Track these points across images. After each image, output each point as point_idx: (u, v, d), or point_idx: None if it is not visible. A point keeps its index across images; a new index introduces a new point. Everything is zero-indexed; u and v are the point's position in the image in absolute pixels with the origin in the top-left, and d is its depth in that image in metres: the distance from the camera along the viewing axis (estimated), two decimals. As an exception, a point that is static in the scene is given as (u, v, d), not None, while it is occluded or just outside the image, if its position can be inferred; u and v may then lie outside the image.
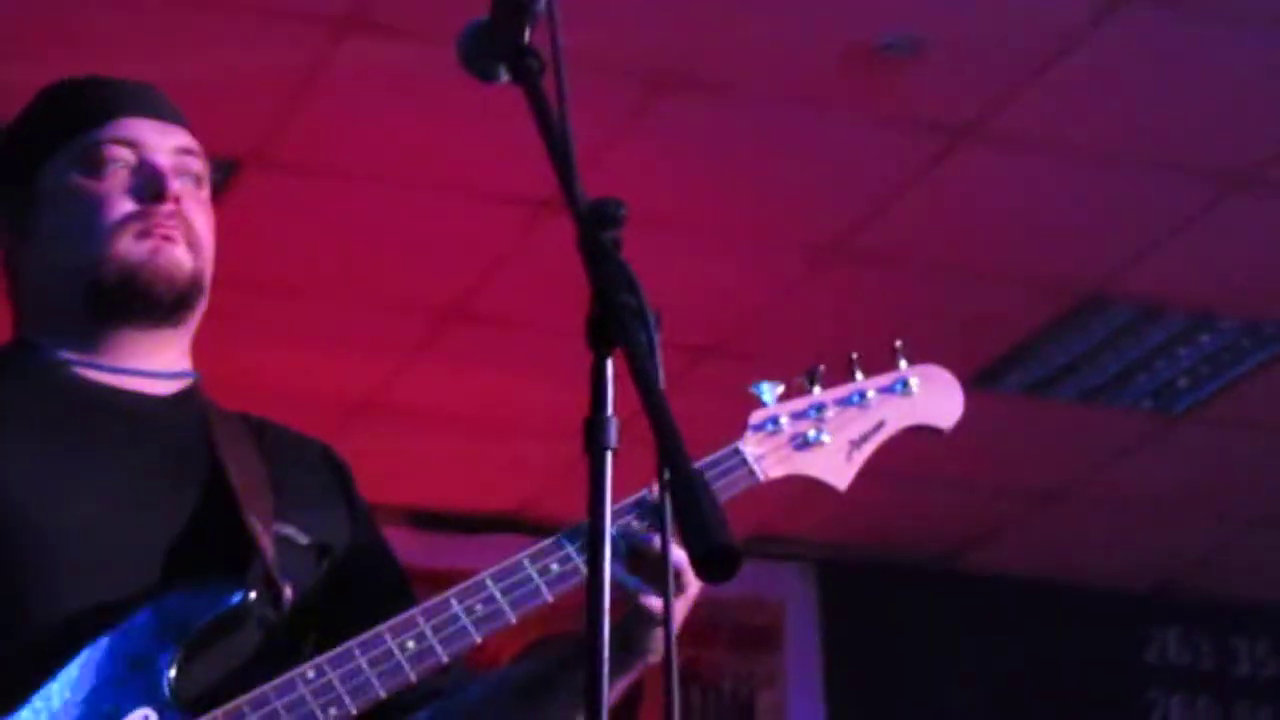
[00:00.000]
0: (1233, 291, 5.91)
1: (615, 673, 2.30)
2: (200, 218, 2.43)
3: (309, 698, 2.30)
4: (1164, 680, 7.85)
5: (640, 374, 1.71)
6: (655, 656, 2.33)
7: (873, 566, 7.23)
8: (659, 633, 2.31)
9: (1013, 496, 6.62)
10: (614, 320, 1.74)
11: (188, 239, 2.40)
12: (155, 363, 2.46)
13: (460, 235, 5.55)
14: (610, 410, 1.74)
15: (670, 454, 1.67)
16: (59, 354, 2.44)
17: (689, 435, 1.68)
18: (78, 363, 2.43)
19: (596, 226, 1.80)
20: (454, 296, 5.82)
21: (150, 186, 2.39)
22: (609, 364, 1.75)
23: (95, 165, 2.42)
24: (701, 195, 5.43)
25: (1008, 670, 7.50)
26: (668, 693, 1.74)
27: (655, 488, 2.20)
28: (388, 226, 5.53)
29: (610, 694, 2.28)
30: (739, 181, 5.41)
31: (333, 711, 2.31)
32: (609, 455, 1.73)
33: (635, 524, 2.34)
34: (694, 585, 2.30)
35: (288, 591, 2.33)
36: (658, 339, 1.74)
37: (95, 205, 2.40)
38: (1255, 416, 6.61)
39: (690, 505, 1.64)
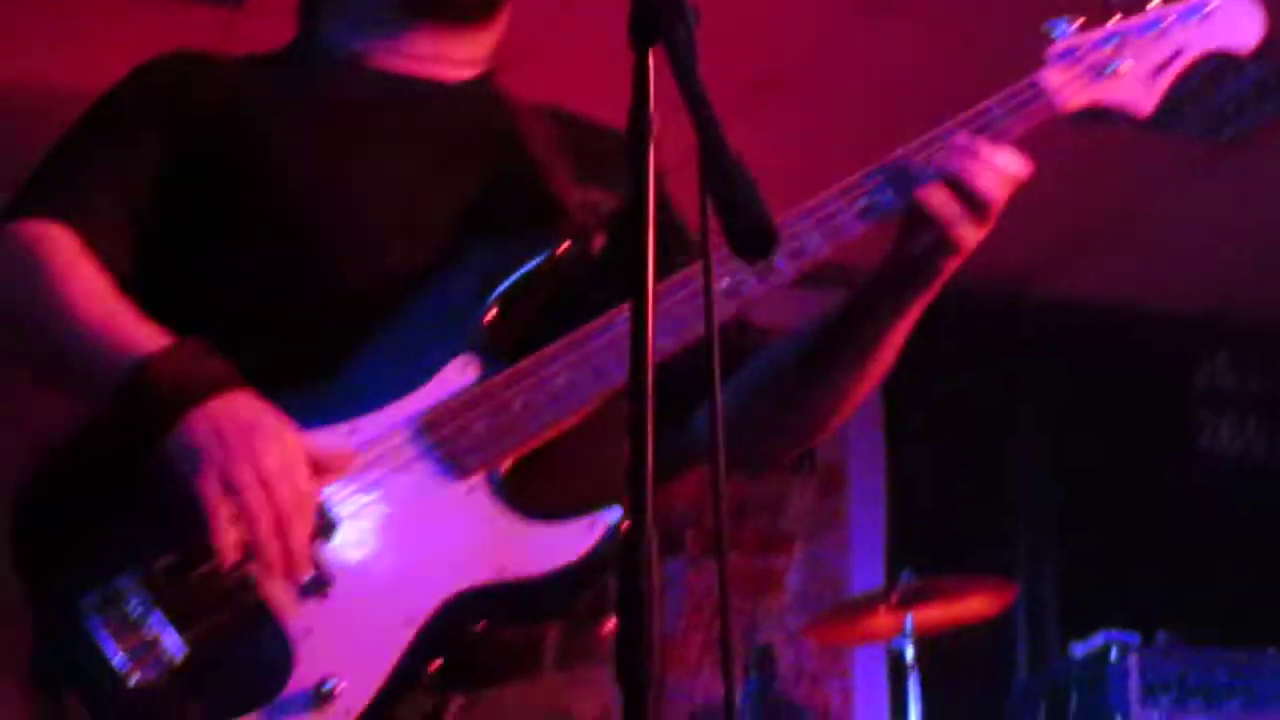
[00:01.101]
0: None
1: (908, 299, 2.39)
2: None
3: (623, 340, 2.27)
4: (1214, 403, 7.96)
5: (679, 65, 1.79)
6: (939, 279, 2.38)
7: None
8: (953, 264, 2.36)
9: (1064, 226, 6.72)
10: (654, 16, 1.80)
11: None
12: (456, 56, 2.55)
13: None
14: (651, 105, 1.79)
15: (709, 140, 1.75)
16: (354, 44, 2.53)
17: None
18: (375, 52, 2.52)
19: None
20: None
21: None
22: (649, 60, 1.79)
23: None
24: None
25: (1061, 396, 7.57)
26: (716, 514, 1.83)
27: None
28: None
29: (904, 322, 2.42)
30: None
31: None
32: (649, 147, 1.79)
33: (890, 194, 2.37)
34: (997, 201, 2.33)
35: (597, 243, 2.33)
36: (695, 32, 1.79)
37: None
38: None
39: (731, 188, 1.73)
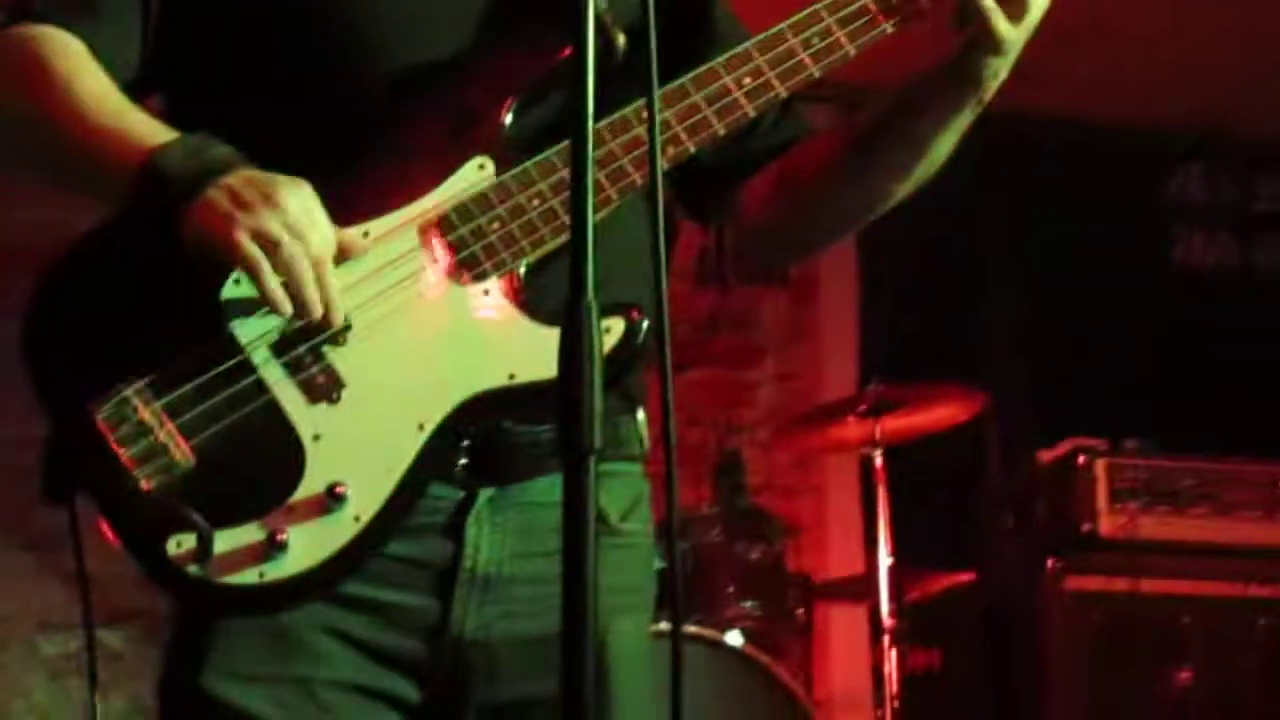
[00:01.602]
0: None
1: (950, 109, 2.38)
2: None
3: (645, 136, 2.29)
4: (1185, 215, 7.94)
5: None
6: (986, 94, 2.38)
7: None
8: (996, 66, 2.35)
9: (1039, 33, 6.60)
10: None
11: None
12: None
13: None
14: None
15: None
16: None
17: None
18: None
19: None
20: None
21: None
22: None
23: None
24: None
25: (1033, 209, 7.55)
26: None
27: None
28: None
29: (950, 126, 2.41)
30: None
31: (670, 150, 2.33)
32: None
33: None
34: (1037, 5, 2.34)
35: (620, 39, 2.26)
36: None
37: None
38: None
39: None
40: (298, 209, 2.16)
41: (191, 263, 2.19)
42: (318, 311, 2.18)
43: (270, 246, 2.14)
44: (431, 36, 2.37)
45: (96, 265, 2.26)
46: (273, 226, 2.14)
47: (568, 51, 2.17)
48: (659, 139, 1.96)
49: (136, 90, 2.38)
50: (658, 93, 1.93)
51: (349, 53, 2.36)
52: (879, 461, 5.68)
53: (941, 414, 5.80)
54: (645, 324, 2.25)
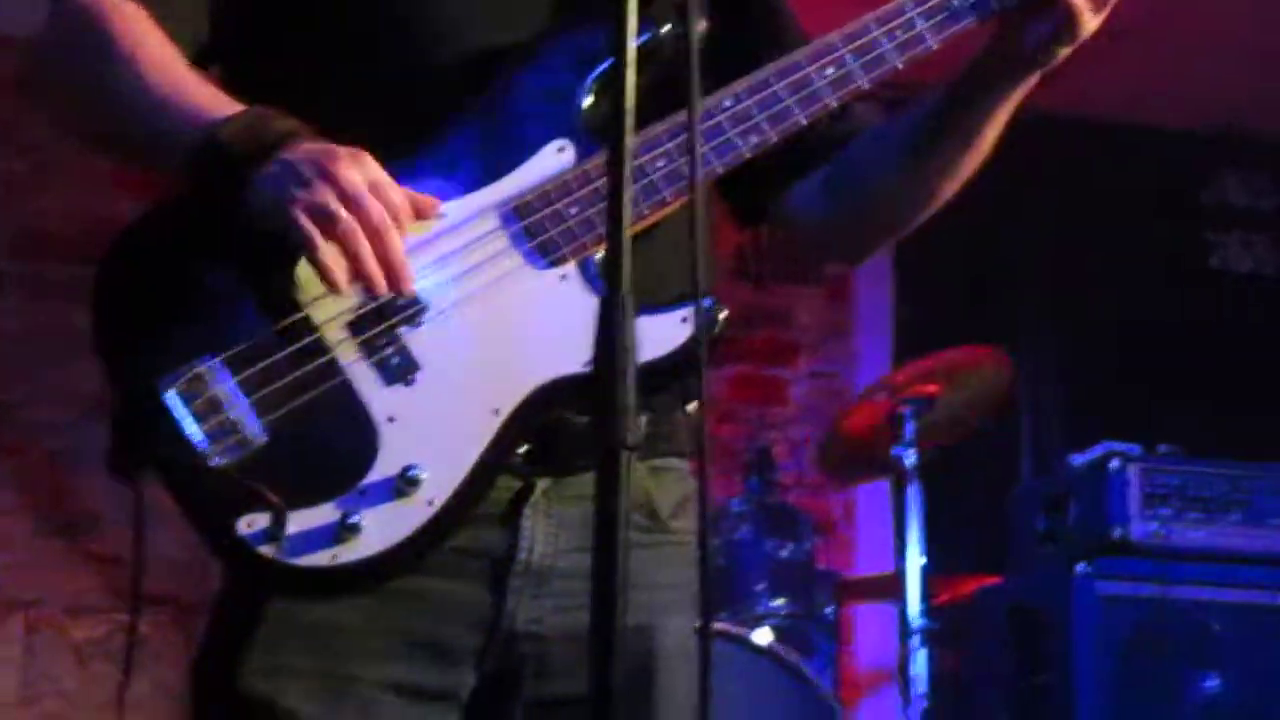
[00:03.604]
0: None
1: (1010, 90, 2.39)
2: None
3: (726, 125, 2.30)
4: (1223, 220, 7.88)
5: None
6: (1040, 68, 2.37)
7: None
8: (1063, 54, 2.36)
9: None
10: None
11: None
12: None
13: None
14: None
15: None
16: None
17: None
18: None
19: None
20: None
21: None
22: None
23: None
24: None
25: (1069, 211, 7.52)
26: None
27: None
28: None
29: (1002, 115, 2.42)
30: None
31: (752, 139, 2.32)
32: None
33: None
34: None
35: (701, 24, 2.18)
36: None
37: None
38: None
39: None
40: (356, 180, 2.12)
41: (258, 238, 2.17)
42: (380, 285, 2.15)
43: (326, 222, 2.11)
44: (509, 13, 2.36)
45: (167, 240, 2.24)
46: (329, 200, 2.10)
47: (646, 34, 2.22)
48: (698, 150, 1.94)
49: (200, 60, 2.36)
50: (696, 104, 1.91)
51: (424, 28, 2.34)
52: (910, 460, 5.67)
53: (972, 381, 5.78)
54: (724, 314, 2.24)
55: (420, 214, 2.21)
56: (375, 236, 2.13)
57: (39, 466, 6.20)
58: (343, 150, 2.16)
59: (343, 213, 2.11)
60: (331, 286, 2.14)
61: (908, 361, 6.03)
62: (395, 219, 2.15)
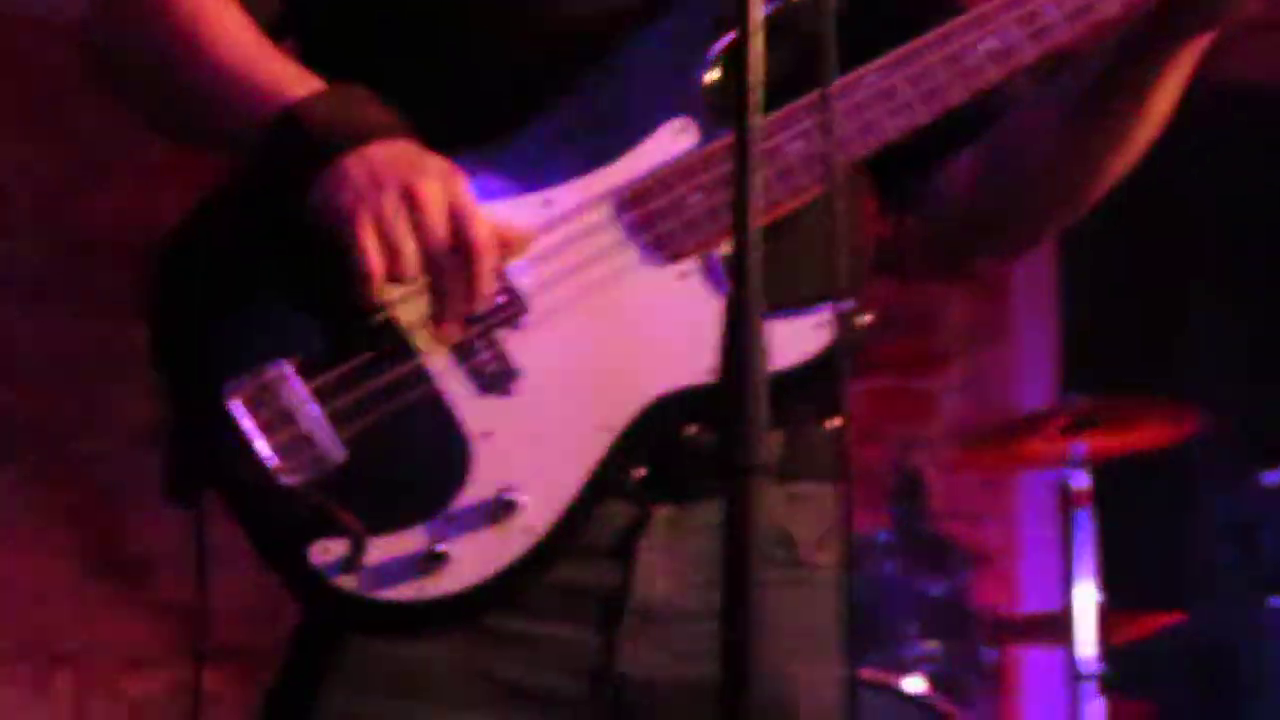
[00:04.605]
0: None
1: (1179, 49, 2.33)
2: None
3: (872, 103, 2.28)
4: None
5: None
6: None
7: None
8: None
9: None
10: None
11: None
12: None
13: None
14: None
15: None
16: None
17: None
18: None
19: None
20: None
21: None
22: None
23: None
24: None
25: (1248, 203, 7.54)
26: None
27: None
28: None
29: (1168, 88, 2.37)
30: None
31: (900, 120, 2.29)
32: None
33: None
34: None
35: None
36: None
37: None
38: None
39: None
40: (433, 193, 2.09)
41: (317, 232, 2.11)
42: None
43: (390, 248, 2.07)
44: None
45: (225, 232, 2.22)
46: (398, 226, 2.07)
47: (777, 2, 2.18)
48: (833, 128, 1.92)
49: (276, 33, 2.34)
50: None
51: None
52: (1080, 484, 5.62)
53: (1148, 434, 5.74)
54: (867, 318, 2.19)
55: (508, 251, 2.15)
56: (435, 253, 2.10)
57: (90, 503, 6.24)
58: (436, 164, 2.12)
59: (409, 249, 2.08)
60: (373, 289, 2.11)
61: (1074, 376, 5.98)
62: (475, 258, 2.10)
